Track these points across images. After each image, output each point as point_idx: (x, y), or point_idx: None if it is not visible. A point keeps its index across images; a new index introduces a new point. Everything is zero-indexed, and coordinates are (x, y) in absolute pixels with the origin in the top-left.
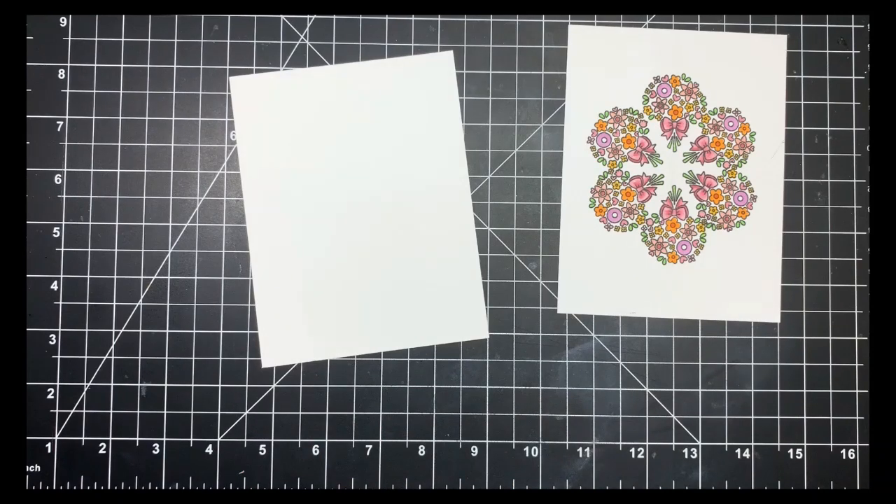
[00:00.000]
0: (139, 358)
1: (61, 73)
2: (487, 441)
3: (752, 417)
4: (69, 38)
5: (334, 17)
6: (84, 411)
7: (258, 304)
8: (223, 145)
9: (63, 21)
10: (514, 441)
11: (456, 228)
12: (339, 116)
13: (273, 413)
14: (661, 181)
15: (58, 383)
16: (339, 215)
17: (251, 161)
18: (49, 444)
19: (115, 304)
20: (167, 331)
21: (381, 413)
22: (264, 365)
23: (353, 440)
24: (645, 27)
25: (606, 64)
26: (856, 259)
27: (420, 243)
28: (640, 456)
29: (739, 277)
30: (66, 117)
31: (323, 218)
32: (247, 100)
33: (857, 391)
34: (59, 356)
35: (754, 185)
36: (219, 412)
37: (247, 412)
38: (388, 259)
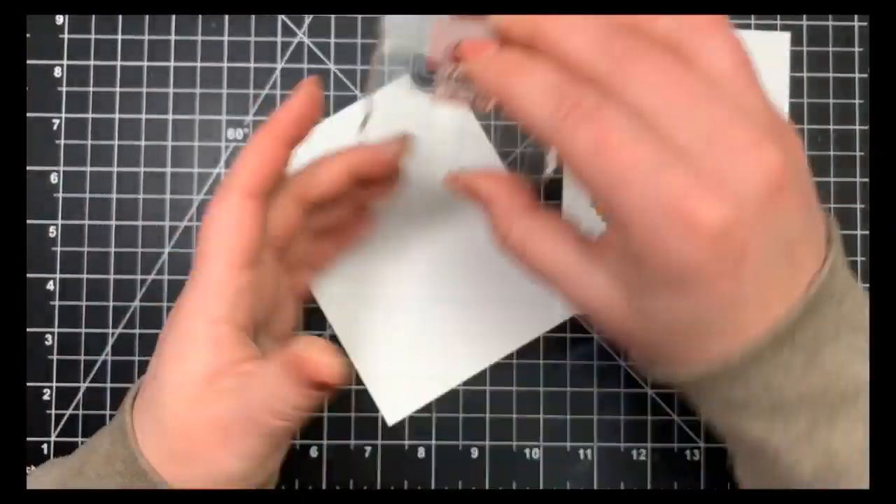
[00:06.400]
0: (136, 358)
1: (57, 71)
2: (487, 442)
3: None
4: (65, 36)
5: (332, 15)
6: (81, 412)
7: (359, 365)
8: (220, 144)
9: (59, 19)
10: (514, 442)
11: None
12: None
13: None
14: None
15: (54, 384)
16: (396, 251)
17: None
18: (46, 445)
19: (111, 304)
20: None
21: (380, 414)
22: (390, 423)
23: (353, 441)
24: None
25: None
26: (859, 259)
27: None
28: (641, 457)
29: None
30: (63, 115)
31: (385, 255)
32: None
33: None
34: (55, 357)
35: None
36: None
37: None
38: (456, 275)
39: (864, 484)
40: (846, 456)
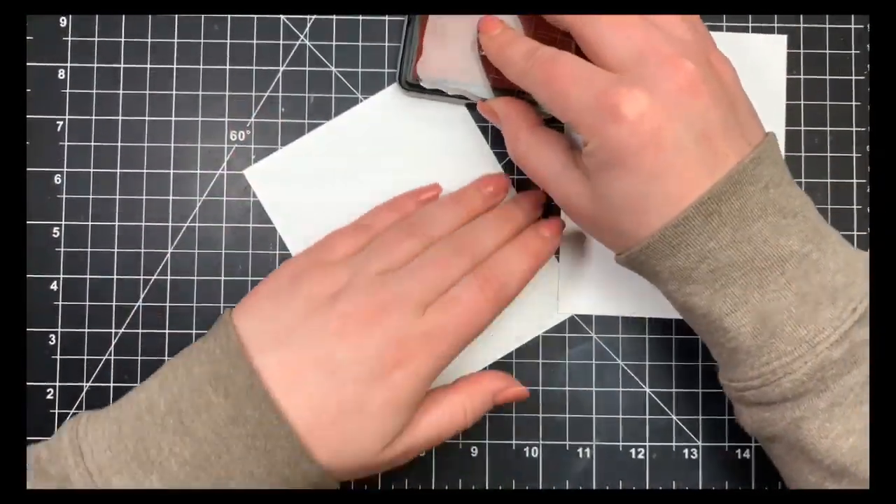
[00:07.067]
0: (139, 358)
1: (61, 73)
2: (487, 441)
3: None
4: (69, 38)
5: (334, 17)
6: (84, 411)
7: None
8: (223, 145)
9: (63, 21)
10: (514, 441)
11: None
12: (360, 164)
13: None
14: None
15: (57, 383)
16: None
17: (295, 237)
18: None
19: (114, 304)
20: (167, 331)
21: None
22: None
23: None
24: None
25: None
26: None
27: None
28: (640, 456)
29: None
30: (66, 117)
31: None
32: (267, 183)
33: None
34: (58, 356)
35: None
36: None
37: None
38: None
39: (796, 346)
40: (777, 317)
